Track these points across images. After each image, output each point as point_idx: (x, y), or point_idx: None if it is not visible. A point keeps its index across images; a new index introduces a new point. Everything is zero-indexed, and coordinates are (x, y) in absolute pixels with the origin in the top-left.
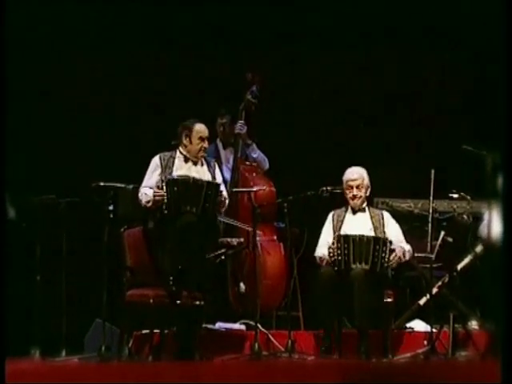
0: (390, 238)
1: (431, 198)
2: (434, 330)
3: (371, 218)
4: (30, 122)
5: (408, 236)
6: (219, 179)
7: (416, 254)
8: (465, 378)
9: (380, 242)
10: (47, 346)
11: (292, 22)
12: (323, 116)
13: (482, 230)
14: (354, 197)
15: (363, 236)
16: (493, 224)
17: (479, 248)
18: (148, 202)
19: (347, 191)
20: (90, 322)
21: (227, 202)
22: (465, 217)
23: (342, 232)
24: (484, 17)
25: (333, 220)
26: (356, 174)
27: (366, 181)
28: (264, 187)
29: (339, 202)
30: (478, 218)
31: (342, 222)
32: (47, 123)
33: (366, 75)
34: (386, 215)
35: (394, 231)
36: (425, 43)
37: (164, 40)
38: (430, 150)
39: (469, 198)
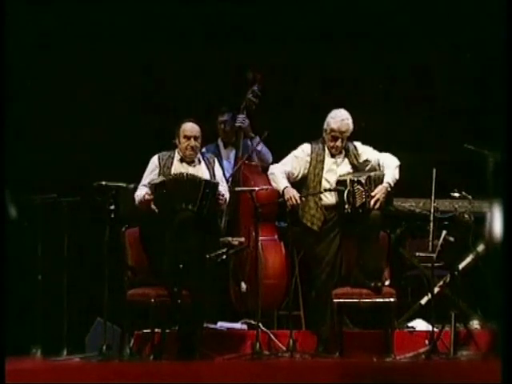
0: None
1: (433, 198)
2: (435, 330)
3: (348, 158)
4: (31, 122)
5: (409, 235)
6: (219, 175)
7: (417, 254)
8: (466, 377)
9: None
10: (48, 345)
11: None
12: (324, 116)
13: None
14: (336, 148)
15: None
16: (494, 223)
17: (481, 247)
18: (140, 202)
19: (330, 140)
20: (92, 322)
21: (227, 199)
22: (466, 216)
23: (323, 179)
24: (484, 17)
25: (311, 158)
26: (345, 127)
27: (351, 129)
28: (265, 187)
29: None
30: (479, 218)
31: (323, 163)
32: (48, 123)
33: (365, 75)
34: (359, 148)
35: (372, 156)
36: (425, 43)
37: (164, 40)
38: (432, 149)
39: (470, 197)
